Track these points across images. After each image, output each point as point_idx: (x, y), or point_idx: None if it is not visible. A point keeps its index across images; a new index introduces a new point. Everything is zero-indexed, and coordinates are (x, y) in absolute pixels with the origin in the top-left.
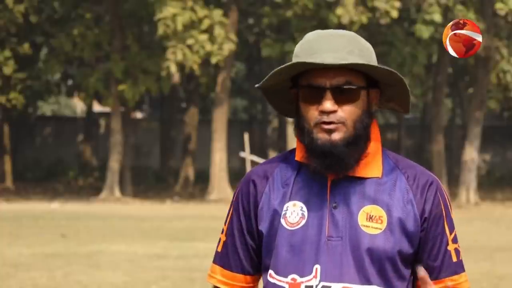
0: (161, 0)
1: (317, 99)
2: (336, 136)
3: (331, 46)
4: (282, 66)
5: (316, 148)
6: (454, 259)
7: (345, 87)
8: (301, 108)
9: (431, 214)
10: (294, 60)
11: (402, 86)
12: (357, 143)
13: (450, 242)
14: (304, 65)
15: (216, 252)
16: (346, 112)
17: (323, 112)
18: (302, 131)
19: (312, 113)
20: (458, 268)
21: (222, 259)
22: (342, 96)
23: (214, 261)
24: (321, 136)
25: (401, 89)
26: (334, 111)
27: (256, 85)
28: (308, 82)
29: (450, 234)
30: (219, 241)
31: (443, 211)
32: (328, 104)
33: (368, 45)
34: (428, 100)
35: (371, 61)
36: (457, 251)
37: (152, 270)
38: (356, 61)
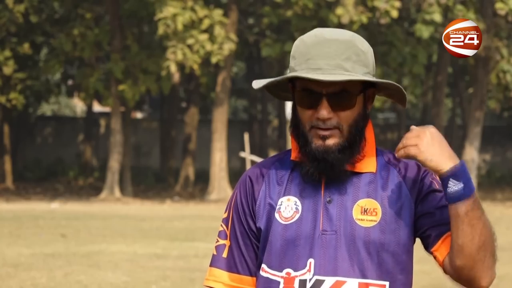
0: (161, 0)
1: (313, 105)
2: (330, 141)
3: (327, 53)
4: (277, 78)
5: (310, 152)
6: None
7: (341, 95)
8: (297, 109)
9: (423, 193)
10: (291, 61)
11: (399, 90)
12: (351, 147)
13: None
14: (300, 78)
15: (220, 257)
16: (342, 118)
17: (318, 119)
18: (297, 131)
19: (308, 117)
20: None
21: (228, 263)
22: (338, 103)
23: (216, 265)
24: (316, 142)
25: (398, 91)
26: (330, 118)
27: (254, 87)
28: (304, 87)
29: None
30: (224, 247)
31: (436, 186)
32: (324, 112)
33: (366, 48)
34: (428, 100)
35: (368, 65)
36: None
37: (152, 270)
38: (353, 68)
